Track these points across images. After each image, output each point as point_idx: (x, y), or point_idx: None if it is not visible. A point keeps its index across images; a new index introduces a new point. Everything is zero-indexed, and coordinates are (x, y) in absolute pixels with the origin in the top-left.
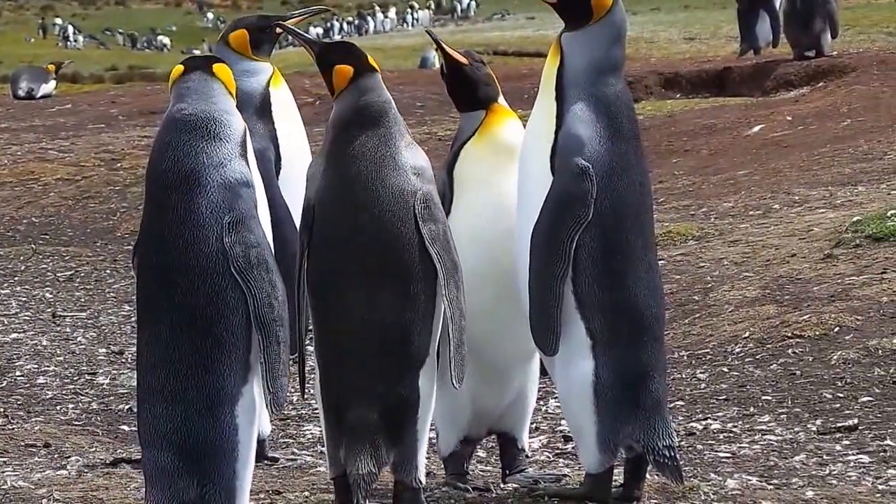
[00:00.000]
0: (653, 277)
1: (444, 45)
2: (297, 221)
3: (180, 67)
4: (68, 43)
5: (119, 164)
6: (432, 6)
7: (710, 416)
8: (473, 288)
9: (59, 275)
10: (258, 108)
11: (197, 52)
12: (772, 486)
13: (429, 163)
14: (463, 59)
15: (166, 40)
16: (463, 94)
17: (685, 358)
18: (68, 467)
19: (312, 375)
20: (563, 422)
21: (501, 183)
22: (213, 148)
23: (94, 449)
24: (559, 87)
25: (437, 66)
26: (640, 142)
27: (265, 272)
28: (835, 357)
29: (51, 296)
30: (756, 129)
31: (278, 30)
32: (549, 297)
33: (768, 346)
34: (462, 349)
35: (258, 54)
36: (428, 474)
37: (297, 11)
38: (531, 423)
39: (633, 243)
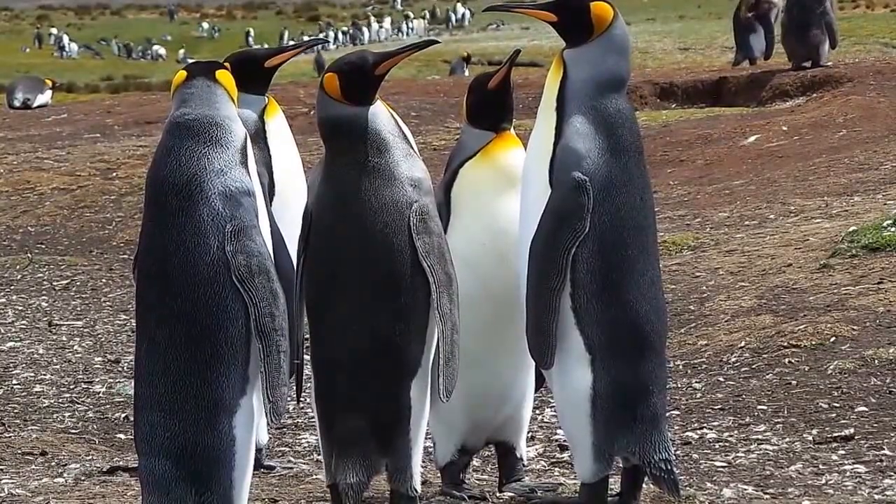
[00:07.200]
0: (655, 293)
1: (511, 63)
2: (290, 248)
3: (183, 73)
4: (63, 53)
5: (114, 174)
6: (427, 16)
7: (705, 425)
8: (467, 308)
9: (55, 284)
10: (252, 135)
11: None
12: (768, 496)
13: (428, 174)
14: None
15: (162, 50)
16: (487, 112)
17: (681, 367)
18: (65, 475)
19: (309, 384)
20: (559, 431)
21: (497, 208)
22: (214, 154)
23: (90, 457)
24: (560, 101)
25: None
26: (643, 157)
27: (266, 281)
28: (831, 367)
29: (47, 305)
30: (752, 139)
31: (274, 62)
32: (545, 310)
33: (764, 355)
34: (452, 363)
35: (249, 87)
36: (424, 483)
37: (291, 45)
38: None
39: (633, 258)
